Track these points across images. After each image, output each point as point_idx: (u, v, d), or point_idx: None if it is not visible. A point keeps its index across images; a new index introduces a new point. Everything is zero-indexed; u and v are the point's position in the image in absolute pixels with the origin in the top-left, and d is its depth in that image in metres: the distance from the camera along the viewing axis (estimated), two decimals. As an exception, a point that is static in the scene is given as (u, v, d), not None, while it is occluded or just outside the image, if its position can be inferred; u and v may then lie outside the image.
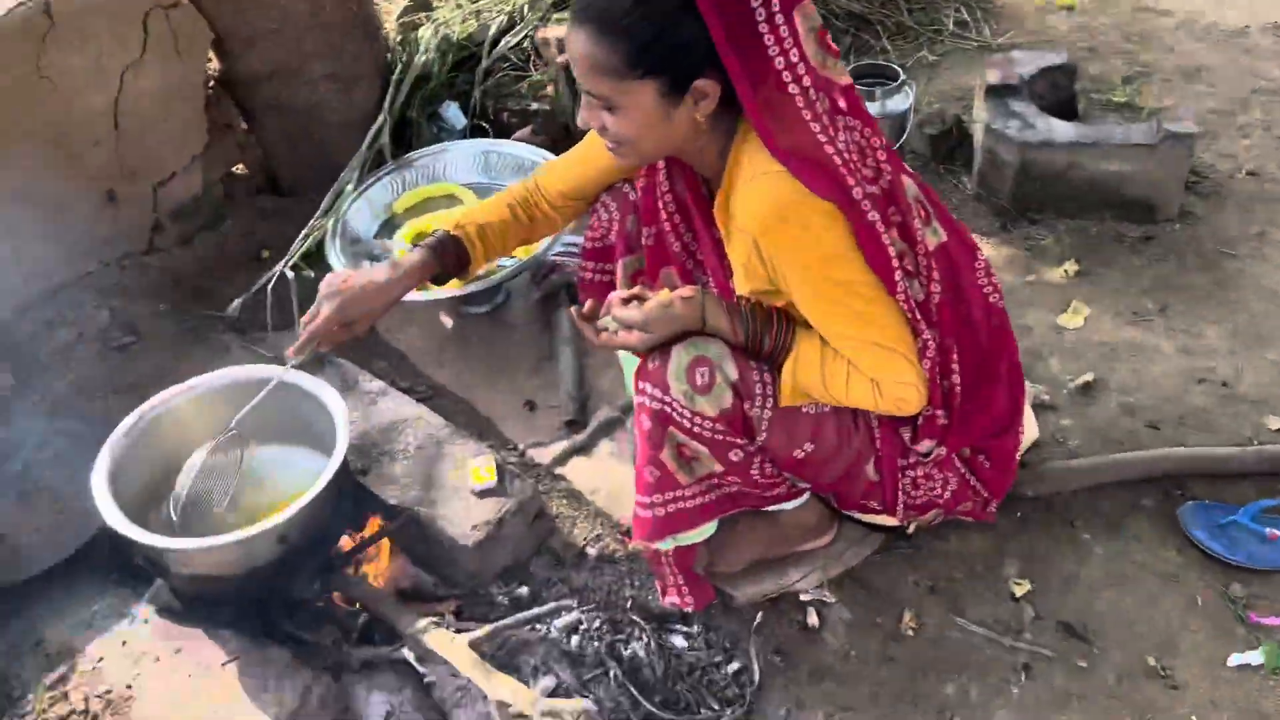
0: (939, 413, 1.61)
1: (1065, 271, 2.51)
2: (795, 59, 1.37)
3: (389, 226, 2.62)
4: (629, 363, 2.03)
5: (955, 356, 1.60)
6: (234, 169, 2.85)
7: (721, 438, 1.58)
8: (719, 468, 1.62)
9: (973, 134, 2.82)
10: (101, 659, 1.72)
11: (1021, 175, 2.63)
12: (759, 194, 1.42)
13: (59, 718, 1.66)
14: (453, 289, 2.37)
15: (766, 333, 1.55)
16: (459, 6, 3.43)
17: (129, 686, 1.68)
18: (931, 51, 3.36)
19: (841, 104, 1.44)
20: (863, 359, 1.49)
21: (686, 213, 1.73)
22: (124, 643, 1.74)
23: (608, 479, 2.12)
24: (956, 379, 1.62)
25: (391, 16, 3.37)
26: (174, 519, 1.75)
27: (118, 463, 1.78)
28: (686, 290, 1.56)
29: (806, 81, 1.38)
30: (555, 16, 3.25)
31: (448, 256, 1.78)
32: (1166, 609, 1.81)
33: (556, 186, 1.86)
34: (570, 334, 2.40)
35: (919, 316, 1.52)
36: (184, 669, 1.70)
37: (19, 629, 1.82)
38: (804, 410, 1.60)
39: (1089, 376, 2.22)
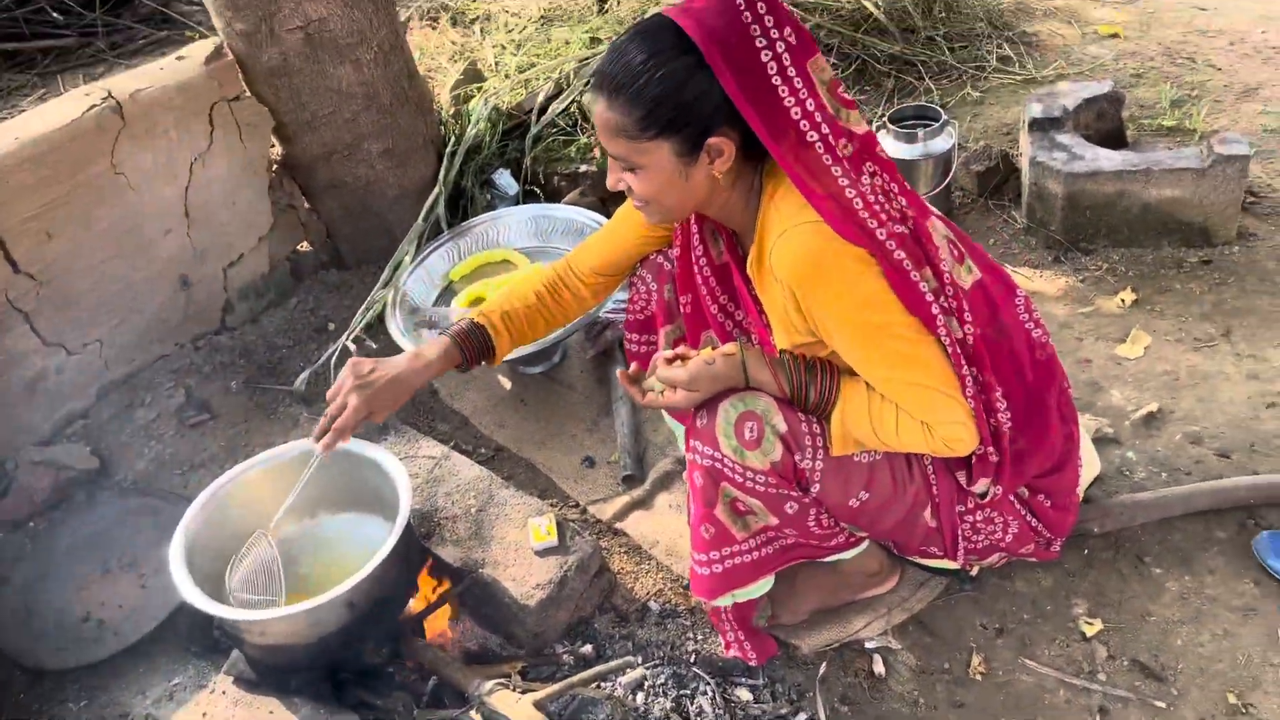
0: (990, 450, 1.61)
1: (1122, 301, 2.48)
2: (812, 108, 1.40)
3: (447, 294, 2.70)
4: (680, 429, 2.06)
5: (1000, 393, 1.59)
6: (299, 246, 2.97)
7: (775, 491, 1.59)
8: (775, 520, 1.63)
9: (1020, 168, 2.81)
10: (183, 730, 1.78)
11: (1069, 206, 2.61)
12: (792, 246, 1.44)
13: (145, 788, 1.71)
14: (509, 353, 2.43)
15: (812, 383, 1.56)
16: (507, 77, 3.55)
17: (210, 756, 1.73)
18: (975, 88, 3.37)
19: (863, 151, 1.46)
20: (909, 401, 1.50)
21: (723, 274, 1.76)
22: (204, 714, 1.80)
23: (667, 532, 2.13)
24: (1004, 416, 1.61)
25: (445, 89, 3.50)
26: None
27: (193, 538, 1.85)
28: (728, 347, 1.58)
29: (825, 129, 1.41)
30: (599, 80, 3.34)
31: (471, 345, 1.82)
32: (1246, 644, 1.76)
33: (589, 263, 1.90)
34: (625, 391, 2.44)
35: (960, 352, 1.52)
36: (261, 737, 1.75)
37: (105, 703, 1.89)
38: (856, 459, 1.60)
39: (1153, 406, 2.18)
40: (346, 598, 1.72)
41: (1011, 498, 1.71)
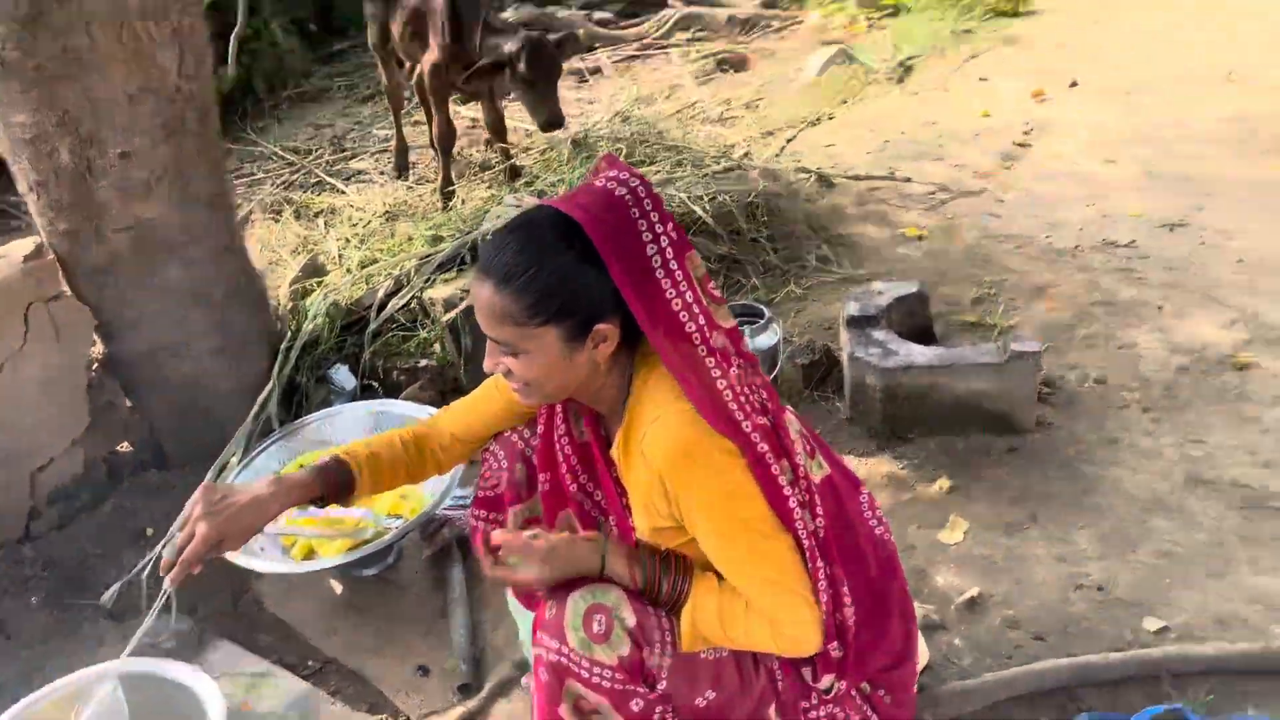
0: (832, 645, 1.62)
1: (940, 487, 2.61)
2: (690, 300, 1.47)
3: (276, 495, 2.60)
4: (523, 620, 2.01)
5: (846, 588, 1.63)
6: (118, 447, 2.83)
7: (621, 687, 1.55)
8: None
9: (841, 361, 2.98)
10: None
11: (888, 399, 2.77)
12: (664, 431, 1.48)
13: None
14: (340, 556, 2.35)
15: (665, 578, 1.57)
16: (349, 271, 3.57)
17: None
18: (798, 286, 3.60)
19: (729, 345, 1.53)
20: (761, 598, 1.52)
21: (584, 454, 1.78)
22: None
23: (504, 745, 2.05)
24: (849, 611, 1.63)
25: (285, 283, 3.49)
26: None
27: (-30, 783, 1.66)
28: (589, 534, 1.59)
29: (701, 321, 1.48)
30: (441, 278, 3.40)
31: (331, 479, 1.76)
32: (1074, 830, 1.79)
33: (450, 428, 1.90)
34: (462, 592, 2.38)
35: (814, 545, 1.56)
36: None
37: None
38: (703, 656, 1.60)
39: (974, 592, 2.27)
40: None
41: (854, 693, 1.72)
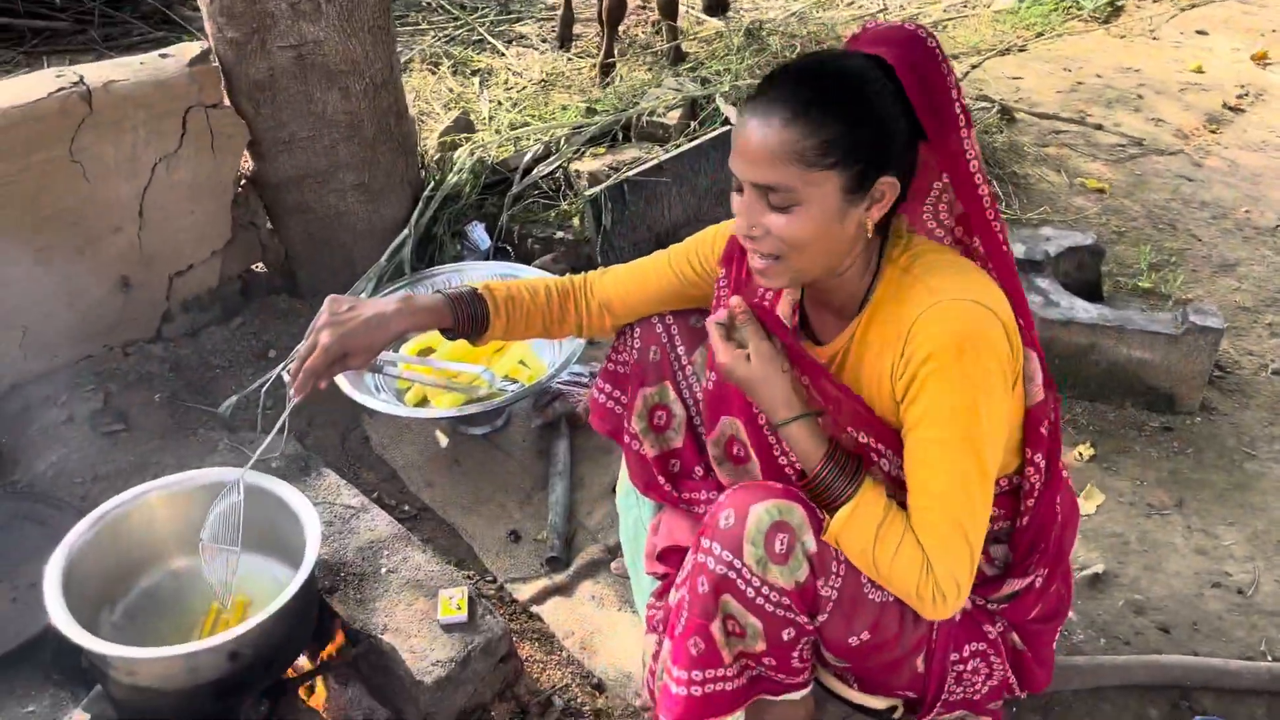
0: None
1: (1080, 454, 2.44)
2: (981, 172, 1.37)
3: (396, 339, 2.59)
4: (633, 551, 1.94)
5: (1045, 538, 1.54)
6: (253, 266, 2.86)
7: (783, 613, 1.45)
8: (761, 648, 1.48)
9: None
10: (23, 767, 1.62)
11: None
12: (943, 319, 1.32)
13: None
14: (452, 409, 2.33)
15: (846, 469, 1.43)
16: (498, 132, 3.51)
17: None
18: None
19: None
20: (935, 530, 1.37)
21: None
22: (50, 751, 1.64)
23: (584, 624, 2.02)
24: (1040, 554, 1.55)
25: (434, 134, 3.45)
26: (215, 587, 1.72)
27: (76, 557, 1.71)
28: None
29: (988, 199, 1.38)
30: (591, 151, 3.31)
31: (464, 311, 1.66)
32: (1168, 834, 1.68)
33: (603, 294, 1.75)
34: (565, 467, 2.34)
35: (1033, 489, 1.47)
36: (106, 788, 1.59)
37: (-53, 721, 1.72)
38: (870, 597, 1.47)
39: (1099, 568, 2.12)
40: (230, 647, 1.59)
41: (1001, 650, 1.62)
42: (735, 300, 1.48)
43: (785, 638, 1.47)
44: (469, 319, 1.67)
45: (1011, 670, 1.65)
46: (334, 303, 1.61)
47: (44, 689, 1.78)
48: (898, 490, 1.44)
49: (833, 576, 1.44)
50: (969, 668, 1.59)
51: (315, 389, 1.58)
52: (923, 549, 1.37)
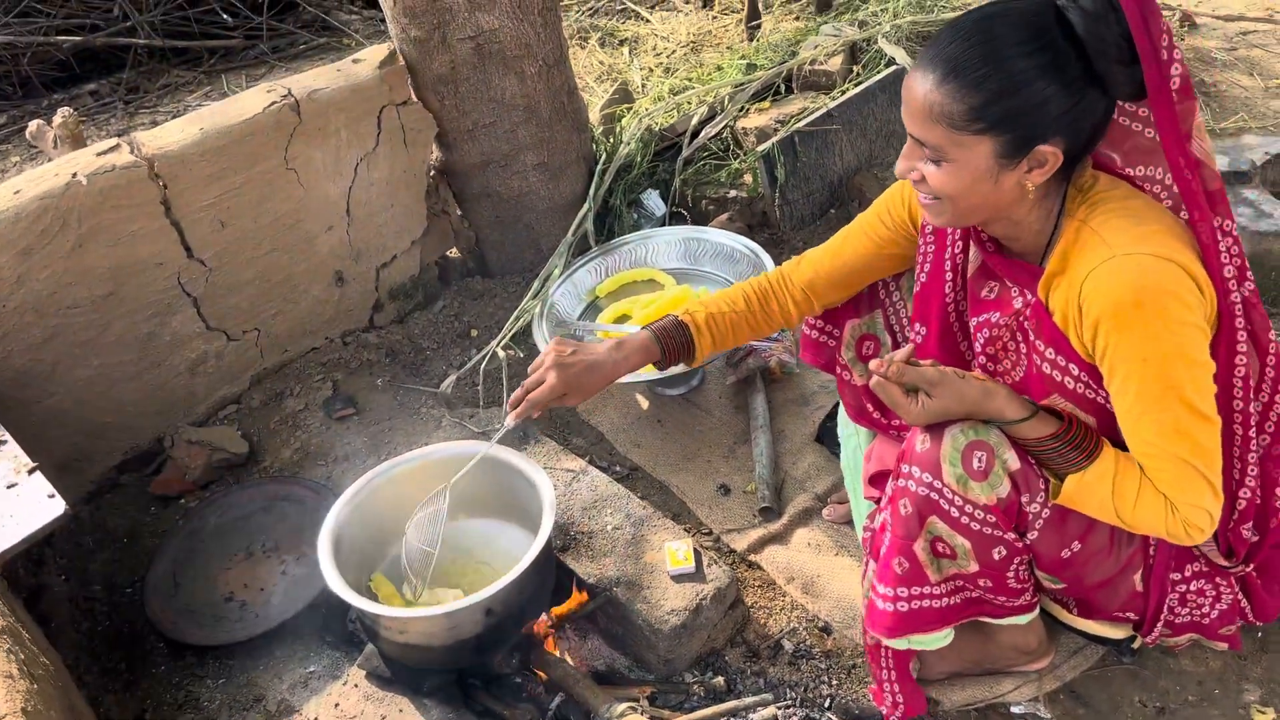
0: (1246, 527, 1.52)
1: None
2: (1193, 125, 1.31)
3: (592, 309, 2.70)
4: (853, 477, 1.98)
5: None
6: (448, 252, 3.02)
7: (990, 531, 1.48)
8: (973, 568, 1.52)
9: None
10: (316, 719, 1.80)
11: (1252, 266, 2.45)
12: (1117, 275, 1.31)
13: (276, 773, 1.73)
14: (650, 372, 2.41)
15: (1075, 440, 1.42)
16: (659, 99, 3.55)
17: (340, 748, 1.74)
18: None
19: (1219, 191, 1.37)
20: (1164, 473, 1.37)
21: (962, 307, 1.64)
22: (336, 705, 1.82)
23: (804, 570, 2.07)
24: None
25: (595, 108, 3.53)
26: (410, 577, 1.85)
27: (341, 528, 1.87)
28: (979, 375, 1.48)
29: (1204, 154, 1.33)
30: (755, 107, 3.32)
31: (671, 342, 1.78)
32: None
33: (803, 279, 1.81)
34: (765, 420, 2.39)
35: (1250, 434, 1.43)
36: (390, 735, 1.75)
37: (242, 683, 1.92)
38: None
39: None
40: (486, 604, 1.71)
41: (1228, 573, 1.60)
42: (873, 364, 1.49)
43: (996, 556, 1.50)
44: (676, 348, 1.79)
45: (1248, 597, 1.62)
46: (561, 344, 1.76)
47: (320, 650, 1.96)
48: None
49: (1039, 494, 1.46)
50: (1192, 588, 1.58)
51: (529, 415, 1.74)
52: (1161, 492, 1.37)
